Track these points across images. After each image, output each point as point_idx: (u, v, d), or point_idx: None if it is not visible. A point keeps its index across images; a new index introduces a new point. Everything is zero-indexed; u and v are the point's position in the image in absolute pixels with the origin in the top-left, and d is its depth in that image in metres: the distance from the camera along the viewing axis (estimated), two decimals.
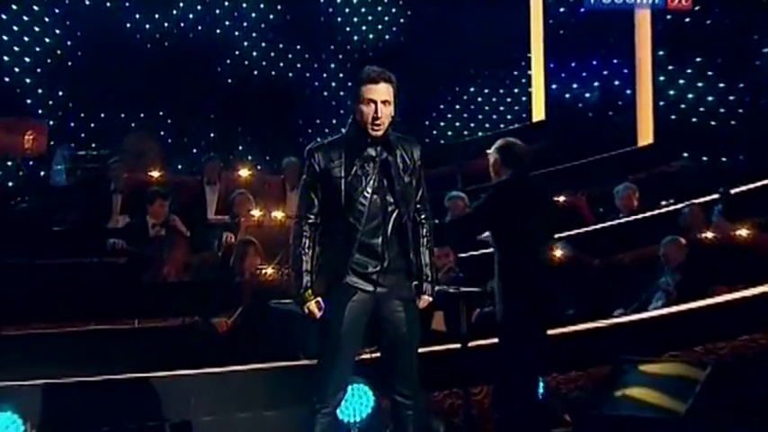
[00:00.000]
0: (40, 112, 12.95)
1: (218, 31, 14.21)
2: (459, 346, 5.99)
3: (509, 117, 14.92)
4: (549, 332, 5.88)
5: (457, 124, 15.16)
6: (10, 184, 11.12)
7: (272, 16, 14.41)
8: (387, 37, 15.03)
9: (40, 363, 6.53)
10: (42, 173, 11.76)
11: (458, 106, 15.12)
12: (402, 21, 15.14)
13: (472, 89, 15.11)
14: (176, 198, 9.36)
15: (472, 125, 15.15)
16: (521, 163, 5.83)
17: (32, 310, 7.52)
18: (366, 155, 4.50)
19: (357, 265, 4.45)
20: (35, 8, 13.28)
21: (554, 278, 5.99)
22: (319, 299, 4.47)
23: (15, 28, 13.15)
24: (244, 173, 9.88)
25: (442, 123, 15.12)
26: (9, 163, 11.29)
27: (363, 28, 14.93)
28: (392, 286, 4.52)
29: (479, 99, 15.15)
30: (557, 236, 6.71)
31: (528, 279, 5.66)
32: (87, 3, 13.47)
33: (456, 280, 7.63)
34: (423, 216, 4.66)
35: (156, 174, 9.50)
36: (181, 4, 13.91)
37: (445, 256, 7.86)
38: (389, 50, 14.74)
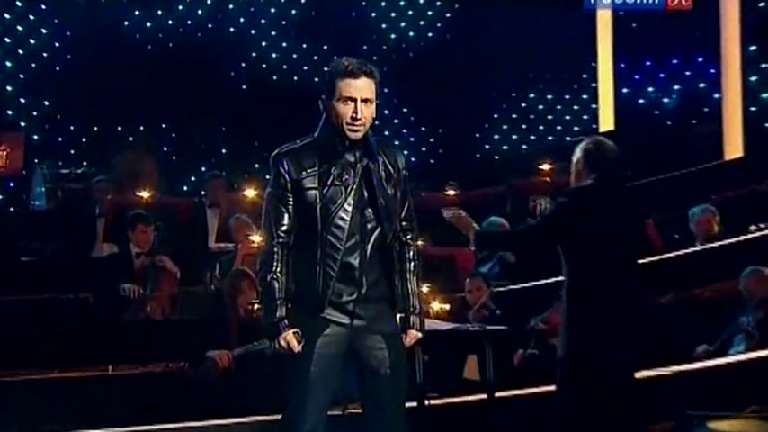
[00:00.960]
0: (22, 124, 12.99)
1: (231, 29, 14.23)
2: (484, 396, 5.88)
3: (576, 128, 14.70)
4: None
5: (514, 137, 15.00)
6: None
7: (294, 12, 14.40)
8: (430, 35, 14.94)
9: None
10: (20, 195, 11.75)
11: (515, 115, 15.02)
12: (448, 16, 15.07)
13: (532, 95, 15.00)
14: (172, 223, 9.23)
15: (532, 137, 14.95)
16: (609, 167, 5.55)
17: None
18: (344, 162, 4.35)
19: (331, 293, 4.31)
20: (18, 3, 13.37)
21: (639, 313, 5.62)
22: (298, 331, 4.28)
23: None
24: (250, 193, 9.70)
25: (495, 136, 14.97)
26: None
27: (402, 24, 14.83)
28: (372, 318, 4.36)
29: (540, 107, 15.04)
30: None
31: (605, 309, 5.37)
32: None
33: (491, 319, 7.44)
34: (409, 236, 4.51)
35: (145, 194, 9.38)
36: None
37: (477, 290, 7.73)
38: (433, 51, 14.67)
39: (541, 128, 15.03)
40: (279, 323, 4.28)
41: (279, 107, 13.76)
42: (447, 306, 6.88)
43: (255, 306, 7.20)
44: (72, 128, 13.31)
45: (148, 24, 13.84)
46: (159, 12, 13.85)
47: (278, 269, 4.32)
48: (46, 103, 13.24)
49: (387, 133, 14.61)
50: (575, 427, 5.42)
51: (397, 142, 14.60)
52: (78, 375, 7.36)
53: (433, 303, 6.84)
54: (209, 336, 7.30)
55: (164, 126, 13.63)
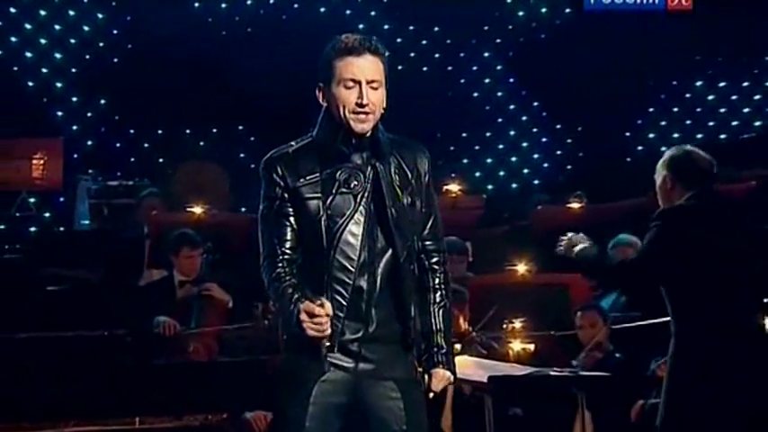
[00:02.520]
0: (74, 128, 13.24)
1: (322, 9, 14.26)
2: None
3: (757, 122, 14.41)
4: None
5: (675, 135, 14.62)
6: (2, 226, 11.30)
7: None
8: (567, 11, 14.63)
9: None
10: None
11: (676, 108, 14.69)
12: None
13: (699, 83, 14.61)
14: (226, 244, 9.25)
15: (698, 135, 14.56)
16: (706, 181, 5.56)
17: None
18: (351, 164, 4.25)
19: (341, 329, 4.20)
20: None
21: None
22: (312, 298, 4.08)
23: (42, 12, 13.50)
24: None
25: (651, 134, 14.66)
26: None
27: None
28: (382, 361, 4.24)
29: (710, 97, 14.68)
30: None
31: (717, 357, 5.32)
32: None
33: (606, 363, 7.29)
34: (434, 259, 4.40)
35: (197, 210, 9.42)
36: None
37: (591, 327, 7.64)
38: (570, 31, 14.37)
39: (711, 123, 14.62)
40: (293, 311, 4.10)
41: None
42: (531, 346, 6.72)
43: None
44: (132, 131, 13.48)
45: (223, 5, 13.94)
46: None
47: (288, 282, 4.20)
48: (101, 101, 13.42)
49: (512, 132, 14.41)
50: None
51: (525, 143, 14.45)
52: (98, 429, 7.43)
53: (514, 344, 6.71)
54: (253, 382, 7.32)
55: (240, 128, 13.71)
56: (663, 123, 14.67)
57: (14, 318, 8.58)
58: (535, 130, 14.48)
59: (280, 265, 4.22)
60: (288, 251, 4.24)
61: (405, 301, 4.26)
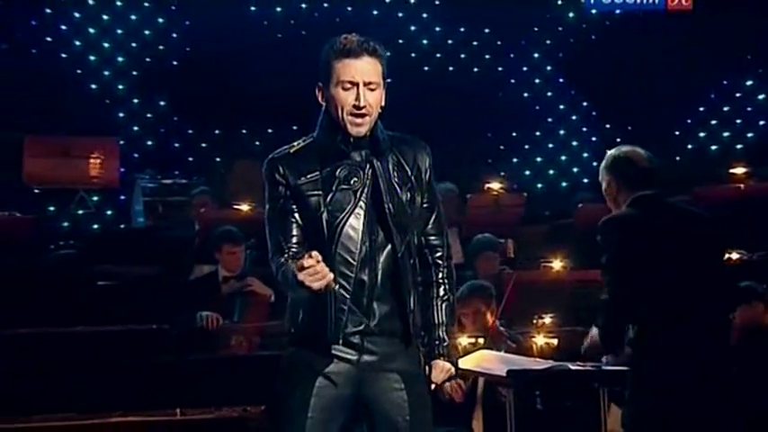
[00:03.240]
0: (135, 128, 13.31)
1: (374, 12, 14.24)
2: None
3: None
4: None
5: (725, 134, 14.48)
6: (67, 224, 11.37)
7: None
8: (617, 12, 14.47)
9: None
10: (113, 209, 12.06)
11: (726, 107, 14.46)
12: None
13: (749, 82, 14.43)
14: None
15: (749, 134, 14.37)
16: (648, 182, 5.34)
17: (44, 395, 7.61)
18: (350, 161, 4.25)
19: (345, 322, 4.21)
20: None
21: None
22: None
23: (105, 17, 13.61)
24: None
25: (701, 134, 14.49)
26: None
27: (582, 0, 14.45)
28: (385, 354, 4.24)
29: (761, 96, 14.46)
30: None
31: (669, 370, 5.10)
32: None
33: None
34: (437, 254, 4.39)
35: (244, 207, 9.46)
36: None
37: None
38: (620, 31, 14.22)
39: (761, 122, 14.38)
40: (291, 277, 4.07)
41: (431, 102, 13.67)
42: (554, 341, 6.65)
43: None
44: (190, 131, 13.53)
45: (278, 9, 13.94)
46: None
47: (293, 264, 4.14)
48: (161, 103, 13.48)
49: (562, 132, 14.32)
50: None
51: (575, 143, 14.32)
52: (141, 420, 7.48)
53: (537, 338, 6.65)
54: None
55: (294, 127, 13.68)
56: (713, 122, 14.46)
57: (66, 312, 8.70)
58: (585, 129, 14.35)
59: (285, 256, 4.22)
60: (293, 246, 4.24)
61: (404, 295, 4.23)
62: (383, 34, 13.86)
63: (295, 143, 4.37)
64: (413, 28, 14.24)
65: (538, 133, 14.30)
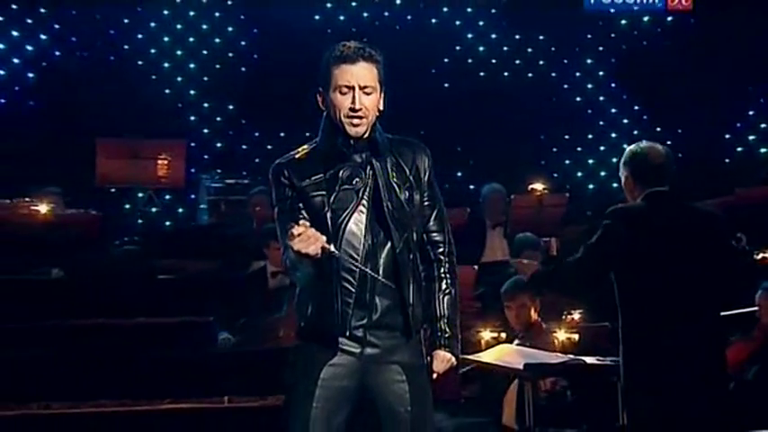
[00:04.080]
0: (205, 131, 13.44)
1: (433, 20, 14.22)
2: None
3: None
4: None
5: None
6: (140, 221, 11.53)
7: None
8: (669, 19, 14.37)
9: None
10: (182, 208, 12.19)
11: None
12: None
13: None
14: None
15: None
16: (660, 177, 5.31)
17: (102, 382, 7.79)
18: (352, 163, 4.30)
19: (351, 316, 4.25)
20: (202, 1, 13.85)
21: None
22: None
23: (179, 26, 13.78)
24: None
25: (751, 136, 14.28)
26: (140, 194, 11.71)
27: (635, 7, 14.33)
28: (388, 347, 4.27)
29: None
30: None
31: (661, 363, 5.06)
32: None
33: None
34: (440, 250, 4.44)
35: None
36: None
37: None
38: (672, 37, 14.11)
39: None
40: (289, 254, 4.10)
41: (487, 107, 13.65)
42: (575, 336, 6.61)
43: None
44: (257, 134, 13.63)
45: (341, 17, 14.01)
46: (354, 3, 14.00)
47: None
48: (230, 107, 13.60)
49: (613, 135, 14.22)
50: None
51: (625, 145, 14.13)
52: (192, 406, 7.59)
53: (558, 333, 6.63)
54: None
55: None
56: (762, 126, 14.25)
57: (126, 304, 8.84)
58: (636, 132, 14.16)
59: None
60: None
61: (403, 290, 4.25)
62: (441, 41, 14.03)
63: (300, 149, 4.42)
64: (470, 35, 14.21)
65: (590, 136, 14.20)
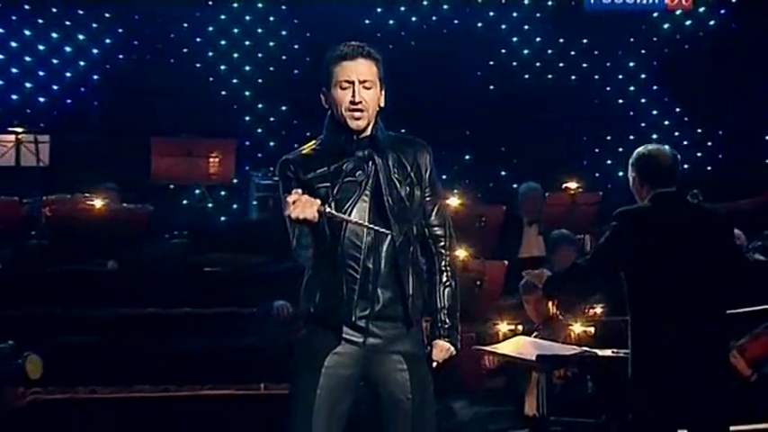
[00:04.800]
0: (259, 131, 13.54)
1: (479, 24, 14.19)
2: None
3: None
4: None
5: None
6: (196, 216, 11.61)
7: (550, 3, 14.15)
8: (711, 23, 14.24)
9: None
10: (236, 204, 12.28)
11: None
12: (735, 0, 14.28)
13: None
14: None
15: None
16: (667, 179, 5.26)
17: (146, 368, 7.95)
18: (354, 159, 4.30)
19: (355, 304, 4.23)
20: (259, 5, 13.95)
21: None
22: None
23: (235, 30, 13.88)
24: (453, 202, 9.70)
25: None
26: (197, 191, 11.81)
27: (678, 12, 14.21)
28: (390, 337, 4.26)
29: None
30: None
31: (663, 361, 5.02)
32: None
33: None
34: (441, 244, 4.42)
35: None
36: None
37: None
38: (714, 40, 13.99)
39: None
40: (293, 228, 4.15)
41: (530, 109, 13.62)
42: (592, 329, 6.58)
43: None
44: (308, 134, 13.63)
45: (390, 22, 14.05)
46: (402, 8, 14.02)
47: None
48: (283, 108, 13.67)
49: (655, 136, 14.10)
50: None
51: (667, 147, 14.04)
52: (230, 393, 7.69)
53: (575, 326, 6.60)
54: None
55: (402, 131, 13.74)
56: None
57: (175, 294, 8.96)
58: (677, 133, 14.09)
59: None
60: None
61: (403, 282, 4.25)
62: (487, 45, 14.00)
63: (306, 146, 4.43)
64: (515, 39, 14.16)
65: (632, 137, 14.07)
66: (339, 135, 4.32)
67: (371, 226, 4.18)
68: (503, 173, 13.62)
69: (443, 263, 4.41)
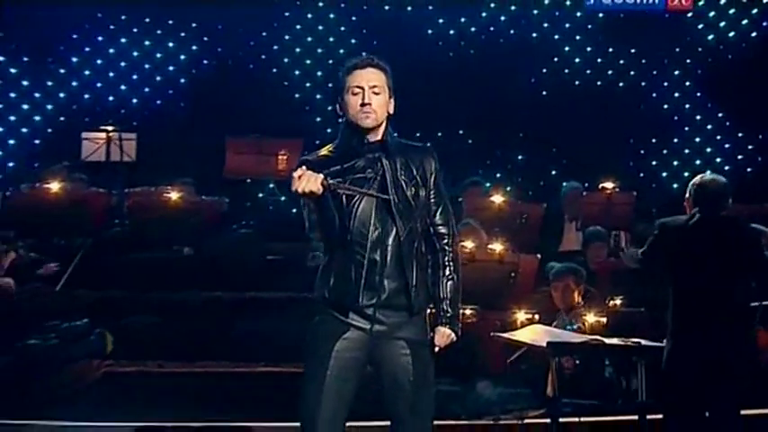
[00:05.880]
0: (328, 131, 13.70)
1: (534, 34, 14.23)
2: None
3: None
4: None
5: None
6: (270, 208, 11.82)
7: (601, 15, 14.12)
8: (753, 35, 14.13)
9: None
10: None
11: None
12: None
13: None
14: None
15: None
16: (711, 201, 5.75)
17: (210, 346, 8.19)
18: (364, 159, 4.42)
19: (363, 288, 4.32)
20: (330, 16, 14.14)
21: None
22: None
23: (309, 39, 14.09)
24: (497, 199, 9.81)
25: None
26: (271, 185, 12.00)
27: (721, 24, 14.13)
28: (394, 324, 4.35)
29: None
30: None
31: (693, 340, 5.56)
32: (387, 8, 14.08)
33: None
34: (444, 241, 4.50)
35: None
36: (492, 5, 14.07)
37: None
38: (757, 51, 13.87)
39: None
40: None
41: (581, 113, 13.62)
42: (603, 319, 6.66)
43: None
44: None
45: (451, 32, 14.14)
46: (463, 19, 14.10)
47: None
48: None
49: (698, 139, 14.05)
50: None
51: (709, 149, 14.03)
52: (283, 370, 7.86)
53: (588, 316, 6.68)
54: None
55: (460, 132, 13.87)
56: None
57: (241, 280, 9.17)
58: (719, 137, 14.02)
59: None
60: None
61: (407, 274, 4.35)
62: (541, 54, 14.01)
63: (323, 148, 4.57)
64: (567, 48, 14.16)
65: (676, 140, 14.07)
66: (352, 138, 4.45)
67: (371, 192, 4.28)
68: (553, 172, 13.65)
69: (447, 258, 4.49)
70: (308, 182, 4.13)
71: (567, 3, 14.10)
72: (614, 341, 5.95)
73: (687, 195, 5.85)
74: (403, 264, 4.35)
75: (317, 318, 4.44)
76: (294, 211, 11.84)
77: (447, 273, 4.49)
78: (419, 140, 13.95)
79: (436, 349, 4.48)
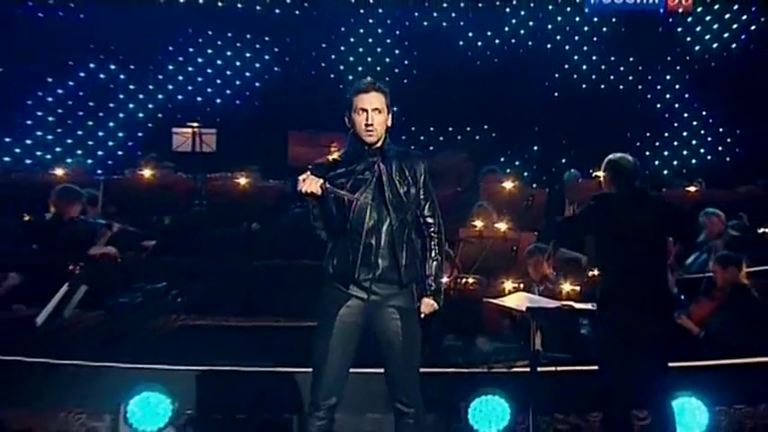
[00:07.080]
0: None
1: (548, 45, 14.20)
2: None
3: None
4: None
5: None
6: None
7: (605, 29, 14.07)
8: (733, 46, 13.98)
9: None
10: None
11: None
12: (754, 28, 14.00)
13: None
14: None
15: None
16: (629, 177, 5.57)
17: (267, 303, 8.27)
18: (365, 163, 4.51)
19: (359, 267, 4.45)
20: (379, 30, 14.23)
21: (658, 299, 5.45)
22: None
23: (360, 49, 14.20)
24: (508, 185, 9.85)
25: None
26: None
27: (707, 37, 14.00)
28: (387, 295, 4.47)
29: None
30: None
31: (618, 294, 5.34)
32: (425, 24, 14.15)
33: None
34: (432, 229, 4.61)
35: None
36: (513, 21, 14.08)
37: None
38: (736, 61, 13.73)
39: None
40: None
41: (586, 111, 13.64)
42: (578, 288, 6.70)
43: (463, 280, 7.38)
44: (422, 138, 13.88)
45: (479, 44, 14.18)
46: (489, 32, 14.13)
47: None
48: (394, 109, 13.72)
49: (685, 134, 13.97)
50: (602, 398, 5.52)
51: (694, 141, 13.96)
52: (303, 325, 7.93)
53: (565, 285, 6.72)
54: None
55: (485, 127, 13.91)
56: None
57: (297, 250, 9.26)
58: (702, 132, 13.94)
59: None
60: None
61: (397, 255, 4.47)
62: (553, 62, 14.02)
63: (333, 153, 4.70)
64: (575, 57, 14.16)
65: (666, 134, 14.00)
66: (356, 146, 4.57)
67: (351, 195, 4.41)
68: (563, 161, 13.67)
69: (432, 242, 4.61)
70: (310, 184, 4.29)
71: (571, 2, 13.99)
72: (582, 306, 6.00)
73: (603, 174, 5.71)
74: (395, 247, 4.47)
75: (324, 288, 4.58)
76: None
77: (433, 255, 4.61)
78: (450, 134, 14.08)
79: (422, 315, 4.62)
